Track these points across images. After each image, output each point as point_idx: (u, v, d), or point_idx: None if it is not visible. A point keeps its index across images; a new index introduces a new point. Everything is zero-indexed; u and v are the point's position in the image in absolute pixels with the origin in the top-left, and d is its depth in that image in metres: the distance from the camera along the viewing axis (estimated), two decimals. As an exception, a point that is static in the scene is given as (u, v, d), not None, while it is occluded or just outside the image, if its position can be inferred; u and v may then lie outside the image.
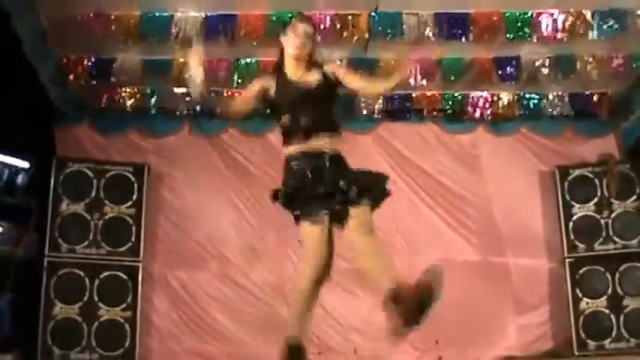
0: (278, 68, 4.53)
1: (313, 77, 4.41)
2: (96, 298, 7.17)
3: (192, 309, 7.60)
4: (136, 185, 7.50)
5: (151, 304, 7.57)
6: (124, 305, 7.23)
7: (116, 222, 7.40)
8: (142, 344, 7.29)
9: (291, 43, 4.41)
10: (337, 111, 4.47)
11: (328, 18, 6.54)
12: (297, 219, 4.27)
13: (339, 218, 4.23)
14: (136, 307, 7.26)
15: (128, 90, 7.63)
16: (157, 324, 7.56)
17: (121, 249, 7.34)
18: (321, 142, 4.26)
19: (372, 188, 4.30)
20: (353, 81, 4.49)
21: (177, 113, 7.87)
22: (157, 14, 6.59)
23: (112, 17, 6.46)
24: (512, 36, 6.53)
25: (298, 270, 7.54)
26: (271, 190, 4.33)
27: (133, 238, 7.38)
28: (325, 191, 4.15)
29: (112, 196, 7.44)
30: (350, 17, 6.55)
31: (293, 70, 4.44)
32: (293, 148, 4.30)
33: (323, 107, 4.38)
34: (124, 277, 7.29)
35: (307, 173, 4.20)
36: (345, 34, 6.54)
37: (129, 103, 7.68)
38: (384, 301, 4.03)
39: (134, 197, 7.48)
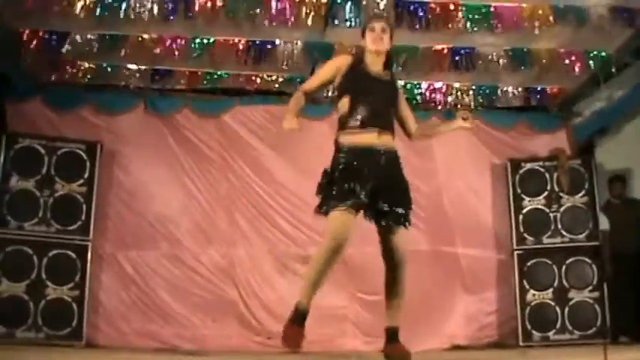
0: (356, 59, 4.63)
1: (387, 75, 4.61)
2: (44, 276, 7.08)
3: (141, 289, 7.54)
4: (88, 163, 7.43)
5: (99, 284, 7.48)
6: (71, 284, 7.16)
7: (67, 200, 7.32)
8: (90, 324, 7.23)
9: (369, 40, 4.54)
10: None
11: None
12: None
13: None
14: (84, 286, 7.20)
15: (83, 66, 7.51)
16: (105, 304, 7.47)
17: (71, 227, 7.28)
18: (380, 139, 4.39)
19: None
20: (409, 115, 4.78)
21: (132, 91, 7.81)
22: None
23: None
24: (469, 26, 6.56)
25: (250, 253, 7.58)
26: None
27: (83, 217, 7.32)
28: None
29: (64, 174, 7.36)
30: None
31: (371, 63, 4.55)
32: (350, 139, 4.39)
33: (389, 105, 4.56)
34: (73, 255, 7.22)
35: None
36: (302, 15, 6.47)
37: (83, 79, 7.57)
38: None
39: (86, 175, 7.41)
